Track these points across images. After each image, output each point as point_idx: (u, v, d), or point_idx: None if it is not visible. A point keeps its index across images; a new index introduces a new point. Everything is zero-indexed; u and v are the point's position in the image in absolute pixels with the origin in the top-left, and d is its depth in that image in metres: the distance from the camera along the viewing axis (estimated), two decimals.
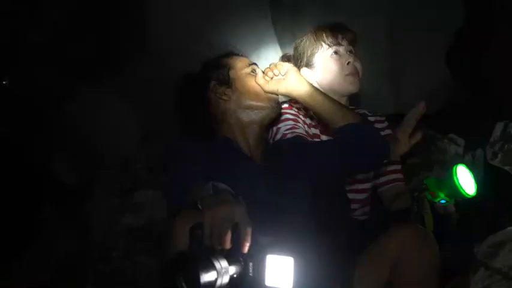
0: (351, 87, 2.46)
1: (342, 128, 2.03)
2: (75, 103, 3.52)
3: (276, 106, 2.23)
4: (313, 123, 2.53)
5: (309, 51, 2.54)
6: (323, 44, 2.50)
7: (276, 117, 2.30)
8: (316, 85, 2.56)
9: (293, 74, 2.18)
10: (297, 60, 2.60)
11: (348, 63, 2.47)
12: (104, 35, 3.46)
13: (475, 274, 2.12)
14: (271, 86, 2.19)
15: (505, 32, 3.51)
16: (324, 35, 2.51)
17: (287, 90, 2.17)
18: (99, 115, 3.51)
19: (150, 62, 3.30)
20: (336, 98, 2.47)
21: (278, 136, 2.37)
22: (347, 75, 2.46)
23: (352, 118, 2.06)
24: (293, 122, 2.41)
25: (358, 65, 2.51)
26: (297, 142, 2.22)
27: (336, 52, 2.48)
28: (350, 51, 2.51)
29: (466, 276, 2.17)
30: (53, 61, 3.46)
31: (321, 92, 2.17)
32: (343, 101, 2.42)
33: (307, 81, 2.18)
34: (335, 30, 2.50)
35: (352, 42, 2.52)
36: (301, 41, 2.59)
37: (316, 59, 2.53)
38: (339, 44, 2.49)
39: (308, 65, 2.56)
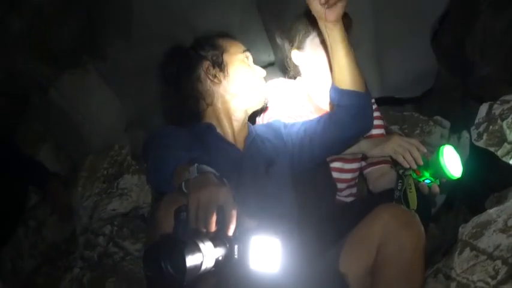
0: None
1: (344, 92, 2.05)
2: (61, 90, 3.51)
3: (263, 99, 2.22)
4: (304, 103, 2.53)
5: (300, 35, 2.51)
6: (315, 28, 2.41)
7: (263, 107, 2.28)
8: (308, 68, 2.55)
9: (340, 7, 1.95)
10: (290, 41, 2.56)
11: None
12: (88, 22, 3.44)
13: (461, 254, 2.13)
14: (316, 6, 1.95)
15: (489, 15, 3.53)
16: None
17: (319, 14, 1.96)
18: (84, 102, 3.50)
19: (135, 48, 3.29)
20: (324, 81, 2.46)
21: (267, 115, 2.38)
22: None
23: (359, 85, 2.06)
24: (284, 102, 2.41)
25: None
26: (280, 123, 2.23)
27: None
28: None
29: (451, 256, 2.18)
30: (37, 48, 3.45)
31: (348, 44, 2.05)
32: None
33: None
34: None
35: (347, 28, 2.47)
36: (295, 22, 2.53)
37: (306, 41, 2.50)
38: None
39: (299, 47, 2.53)
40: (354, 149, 2.32)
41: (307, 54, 2.51)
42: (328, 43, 2.03)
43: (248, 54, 2.24)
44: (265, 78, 2.26)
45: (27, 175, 3.33)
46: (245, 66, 2.20)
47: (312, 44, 2.48)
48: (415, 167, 2.21)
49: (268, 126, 2.27)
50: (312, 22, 2.42)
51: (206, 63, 2.15)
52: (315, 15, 1.98)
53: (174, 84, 2.17)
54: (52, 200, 3.23)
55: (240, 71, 2.17)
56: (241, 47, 2.25)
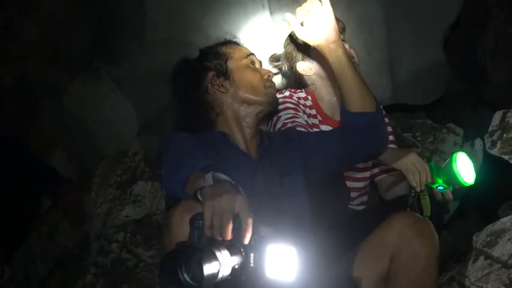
0: None
1: (355, 115, 2.01)
2: (74, 95, 3.52)
3: (273, 101, 2.19)
4: (312, 113, 2.53)
5: (302, 44, 2.52)
6: None
7: (273, 110, 2.28)
8: (315, 77, 2.56)
9: (331, 21, 1.96)
10: (290, 56, 2.58)
11: None
12: (100, 26, 3.45)
13: (475, 263, 2.12)
14: (303, 34, 2.00)
15: (501, 22, 3.52)
16: None
17: (318, 41, 1.98)
18: (97, 107, 3.50)
19: (148, 53, 3.29)
20: (334, 85, 2.47)
21: (278, 125, 2.36)
22: None
23: (370, 104, 2.02)
24: (294, 112, 2.40)
25: (353, 52, 2.48)
26: (295, 133, 2.22)
27: None
28: (343, 40, 2.46)
29: (465, 265, 2.17)
30: (49, 53, 3.46)
31: (353, 63, 2.04)
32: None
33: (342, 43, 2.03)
34: None
35: (341, 31, 2.45)
36: (289, 37, 2.58)
37: (311, 50, 2.51)
38: None
39: (304, 58, 2.54)
40: None
41: (314, 61, 2.53)
42: (333, 67, 2.01)
43: (254, 57, 2.22)
44: (276, 83, 2.25)
45: (39, 180, 3.34)
46: (251, 71, 2.17)
47: (315, 49, 2.50)
48: (418, 189, 2.20)
49: (282, 134, 2.25)
50: None
51: (211, 74, 2.14)
52: (315, 45, 2.00)
53: (182, 97, 2.17)
54: (64, 206, 3.25)
55: (246, 76, 2.15)
56: (246, 51, 2.23)
